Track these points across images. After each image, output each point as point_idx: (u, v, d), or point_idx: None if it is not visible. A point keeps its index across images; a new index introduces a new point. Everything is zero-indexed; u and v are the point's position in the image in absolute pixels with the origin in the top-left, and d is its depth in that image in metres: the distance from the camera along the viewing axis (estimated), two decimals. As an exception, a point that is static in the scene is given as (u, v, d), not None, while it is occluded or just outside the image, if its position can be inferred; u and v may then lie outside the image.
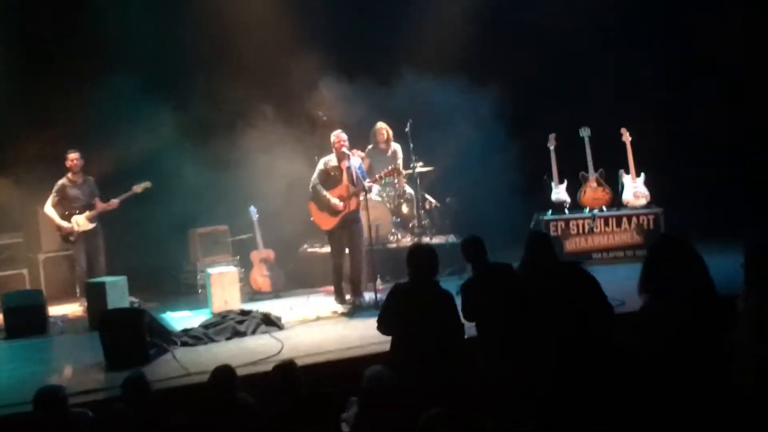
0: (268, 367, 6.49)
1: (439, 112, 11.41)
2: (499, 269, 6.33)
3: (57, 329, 9.37)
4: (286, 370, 5.51)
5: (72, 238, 10.17)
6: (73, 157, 10.18)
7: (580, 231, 10.71)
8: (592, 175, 10.89)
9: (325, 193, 9.31)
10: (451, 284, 6.86)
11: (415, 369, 5.57)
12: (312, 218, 9.73)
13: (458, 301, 6.12)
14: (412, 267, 6.04)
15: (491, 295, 6.00)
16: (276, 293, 10.44)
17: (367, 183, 9.35)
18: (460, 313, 6.10)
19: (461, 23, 11.65)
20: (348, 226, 9.38)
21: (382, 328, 6.18)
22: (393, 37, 11.67)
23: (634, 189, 10.81)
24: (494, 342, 5.95)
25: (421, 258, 6.06)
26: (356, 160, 9.59)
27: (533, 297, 5.74)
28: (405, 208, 11.22)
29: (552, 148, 10.92)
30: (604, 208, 10.83)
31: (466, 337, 6.37)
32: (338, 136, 9.40)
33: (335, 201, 9.27)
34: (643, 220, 10.64)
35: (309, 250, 11.33)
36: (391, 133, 11.15)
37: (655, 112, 11.84)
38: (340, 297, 9.43)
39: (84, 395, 6.41)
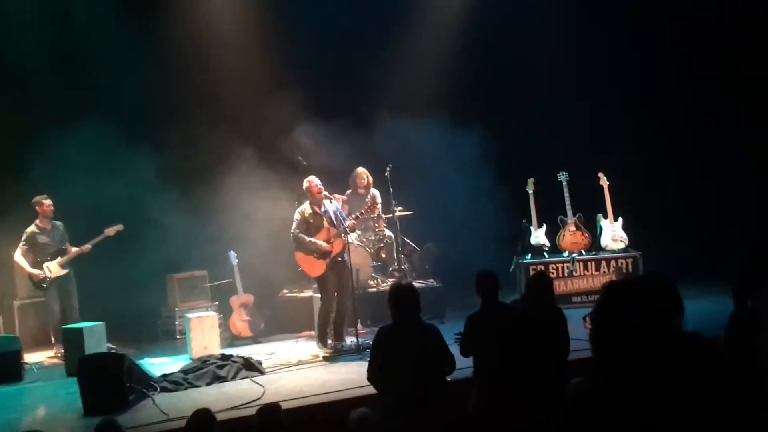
0: (250, 411, 6.44)
1: (418, 156, 11.52)
2: (505, 306, 6.34)
3: (33, 376, 9.20)
4: (270, 413, 5.43)
5: (45, 285, 10.05)
6: (47, 203, 10.08)
7: (560, 274, 10.75)
8: (571, 219, 10.98)
9: (309, 239, 9.27)
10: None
11: (405, 409, 5.54)
12: (300, 268, 9.65)
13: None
14: (395, 306, 6.02)
15: (500, 331, 5.99)
16: (256, 338, 10.36)
17: (348, 222, 9.34)
18: (459, 349, 6.09)
19: (442, 66, 11.82)
20: (336, 267, 9.34)
21: (372, 375, 6.12)
22: (373, 79, 11.82)
23: (612, 233, 10.90)
24: (494, 378, 5.93)
25: (403, 297, 6.04)
26: (334, 203, 9.59)
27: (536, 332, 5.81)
28: (385, 253, 11.23)
29: (531, 192, 11.02)
30: (583, 252, 10.90)
31: (450, 379, 6.38)
32: (312, 182, 9.36)
33: (322, 243, 9.23)
34: (621, 264, 10.71)
35: (288, 295, 11.27)
36: (371, 178, 11.21)
37: (632, 156, 12.00)
38: (323, 341, 9.33)
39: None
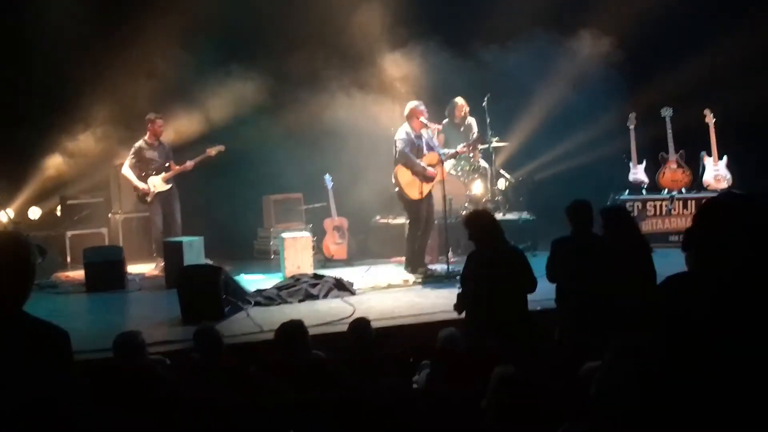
0: (340, 328, 6.61)
1: (516, 85, 11.26)
2: (595, 238, 6.28)
3: (135, 285, 9.61)
4: (360, 326, 5.58)
5: (148, 199, 10.38)
6: (159, 123, 10.37)
7: (658, 212, 10.52)
8: (672, 156, 10.69)
9: (418, 160, 9.25)
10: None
11: (491, 329, 5.59)
12: (399, 188, 9.37)
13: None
14: (481, 232, 6.10)
15: (586, 261, 5.96)
16: (348, 261, 10.52)
17: (446, 153, 9.35)
18: (546, 272, 6.15)
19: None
20: (428, 196, 9.39)
21: (462, 302, 6.23)
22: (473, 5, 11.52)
23: (716, 172, 10.57)
24: (577, 309, 5.92)
25: (488, 222, 6.15)
26: (428, 132, 9.60)
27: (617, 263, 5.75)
28: (479, 183, 11.16)
29: (632, 127, 10.76)
30: (684, 190, 10.63)
31: (540, 309, 6.41)
32: (418, 107, 9.33)
33: (431, 169, 9.22)
34: (723, 204, 10.38)
35: (381, 221, 11.37)
36: (468, 109, 11.11)
37: (740, 93, 11.46)
38: (412, 266, 9.43)
39: (161, 345, 6.56)
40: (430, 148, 9.36)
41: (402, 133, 9.34)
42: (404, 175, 9.31)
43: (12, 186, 11.02)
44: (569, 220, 6.21)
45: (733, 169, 10.57)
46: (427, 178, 9.25)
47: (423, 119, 9.30)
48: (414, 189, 9.29)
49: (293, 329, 5.43)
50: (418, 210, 9.39)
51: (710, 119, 10.55)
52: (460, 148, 9.74)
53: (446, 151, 9.83)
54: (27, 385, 2.78)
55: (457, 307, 6.39)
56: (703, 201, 2.95)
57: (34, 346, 2.81)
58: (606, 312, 5.50)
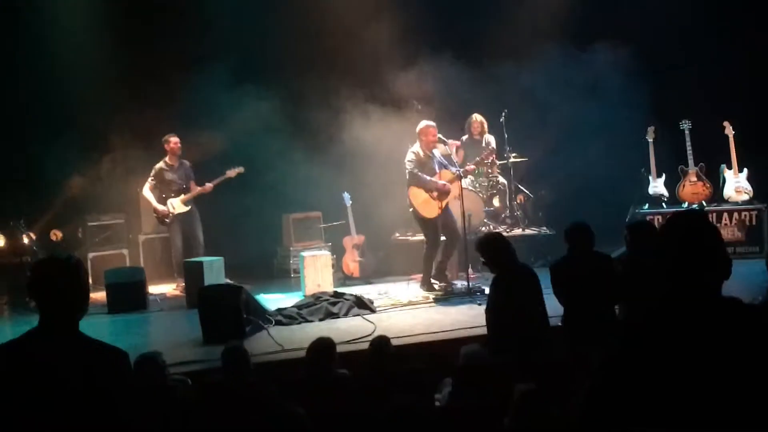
0: (362, 346, 6.59)
1: (534, 100, 11.24)
2: (598, 258, 6.25)
3: (156, 306, 9.66)
4: (381, 344, 5.57)
5: (167, 221, 10.44)
6: (174, 141, 10.44)
7: (678, 226, 10.43)
8: (692, 169, 10.63)
9: (429, 177, 9.24)
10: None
11: (512, 347, 5.60)
12: (414, 207, 9.35)
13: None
14: (499, 255, 6.21)
15: (585, 280, 5.95)
16: (367, 279, 10.52)
17: (467, 167, 9.36)
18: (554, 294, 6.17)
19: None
20: (445, 211, 9.35)
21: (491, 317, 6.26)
22: (486, 19, 11.53)
23: (736, 184, 10.50)
24: (582, 327, 5.91)
25: (504, 244, 6.29)
26: (444, 149, 9.63)
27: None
28: (497, 199, 11.17)
29: (650, 140, 10.72)
30: (704, 203, 10.56)
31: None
32: (430, 127, 9.31)
33: (443, 182, 9.20)
34: (745, 216, 10.32)
35: (400, 238, 11.37)
36: (486, 125, 11.13)
37: (760, 105, 11.41)
38: (428, 285, 9.39)
39: (183, 366, 6.56)
40: (443, 166, 9.33)
41: (410, 154, 9.36)
42: (417, 195, 9.30)
43: (34, 208, 11.10)
44: (567, 241, 6.23)
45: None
46: (441, 194, 9.22)
47: (439, 136, 9.33)
48: (429, 207, 9.28)
49: (324, 347, 5.46)
50: (434, 229, 9.37)
51: (730, 131, 10.49)
52: (469, 166, 9.75)
53: (468, 167, 9.84)
54: (91, 405, 2.83)
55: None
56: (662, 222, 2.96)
57: (96, 366, 2.89)
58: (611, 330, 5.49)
